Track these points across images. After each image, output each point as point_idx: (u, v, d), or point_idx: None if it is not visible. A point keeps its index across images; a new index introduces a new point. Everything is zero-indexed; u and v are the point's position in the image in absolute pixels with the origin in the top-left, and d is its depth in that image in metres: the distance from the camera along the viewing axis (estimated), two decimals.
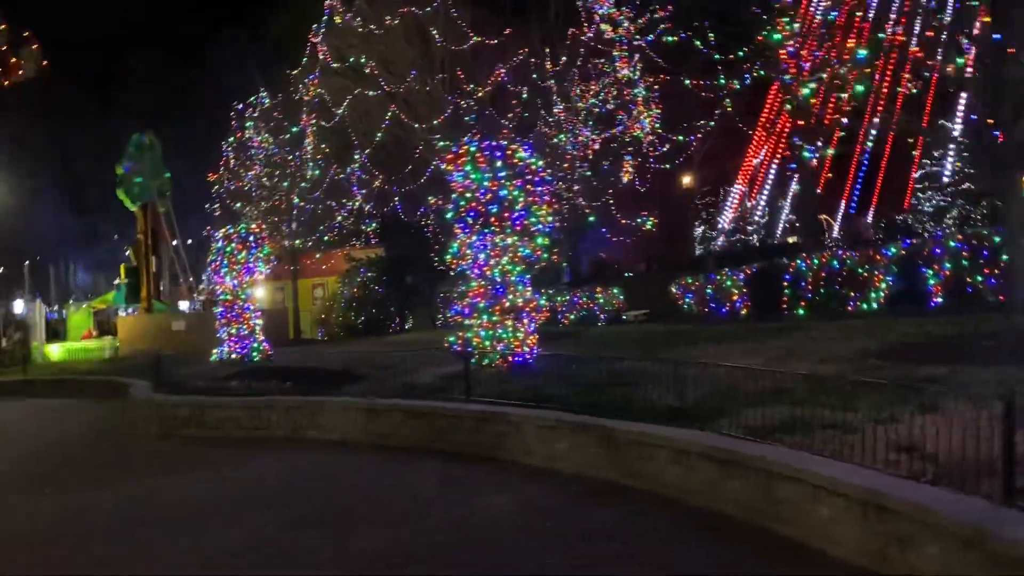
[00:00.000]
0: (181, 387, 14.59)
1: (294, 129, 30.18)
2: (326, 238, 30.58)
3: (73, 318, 37.49)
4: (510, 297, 12.30)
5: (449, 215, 12.87)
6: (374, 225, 30.33)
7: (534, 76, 32.64)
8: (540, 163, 12.51)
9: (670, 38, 30.50)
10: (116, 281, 38.00)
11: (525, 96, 32.10)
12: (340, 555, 6.52)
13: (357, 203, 29.90)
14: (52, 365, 28.19)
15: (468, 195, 12.18)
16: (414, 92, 33.49)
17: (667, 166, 31.34)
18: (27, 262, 57.50)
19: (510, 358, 12.24)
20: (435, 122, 32.17)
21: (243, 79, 39.14)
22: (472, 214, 12.16)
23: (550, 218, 12.64)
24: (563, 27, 35.12)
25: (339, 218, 30.00)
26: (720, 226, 43.20)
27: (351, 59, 34.67)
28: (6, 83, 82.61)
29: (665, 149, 30.64)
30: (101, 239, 61.95)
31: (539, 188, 12.44)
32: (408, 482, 8.83)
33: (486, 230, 12.09)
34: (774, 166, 43.84)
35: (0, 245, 52.92)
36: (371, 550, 6.53)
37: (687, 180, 34.77)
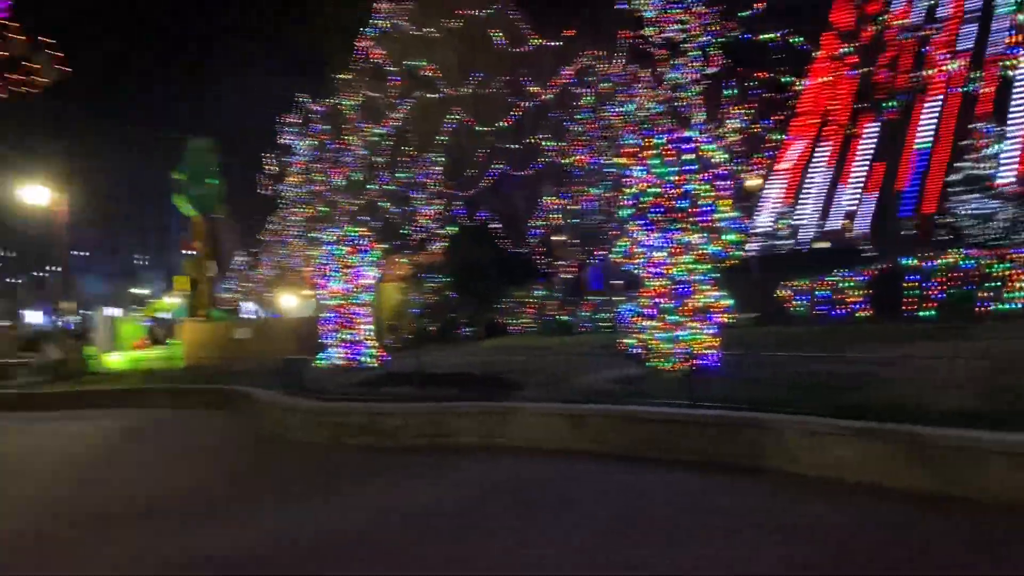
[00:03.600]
0: (320, 393, 14.04)
1: (378, 131, 29.73)
2: (400, 243, 30.16)
3: (124, 327, 36.87)
4: (695, 297, 11.78)
5: (624, 212, 12.35)
6: (455, 228, 29.88)
7: (590, 79, 32.23)
8: (724, 156, 12.00)
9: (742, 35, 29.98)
10: (173, 290, 37.44)
11: (591, 99, 31.67)
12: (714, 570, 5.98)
13: (434, 208, 29.46)
14: (128, 375, 27.53)
15: (653, 190, 11.67)
16: (474, 95, 33.07)
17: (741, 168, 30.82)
18: (50, 269, 57.14)
19: (693, 361, 11.73)
20: (499, 125, 31.74)
21: (285, 85, 38.71)
22: (656, 210, 11.66)
23: (736, 213, 12.12)
24: (614, 29, 34.75)
25: (421, 221, 29.59)
26: (759, 227, 42.71)
27: (406, 62, 34.26)
28: (25, 90, 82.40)
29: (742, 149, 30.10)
30: (120, 248, 61.74)
31: (722, 182, 11.95)
32: (675, 492, 8.27)
33: (672, 227, 11.58)
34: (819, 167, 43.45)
35: (27, 253, 52.53)
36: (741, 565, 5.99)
37: (754, 182, 34.28)
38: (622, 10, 32.51)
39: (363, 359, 18.13)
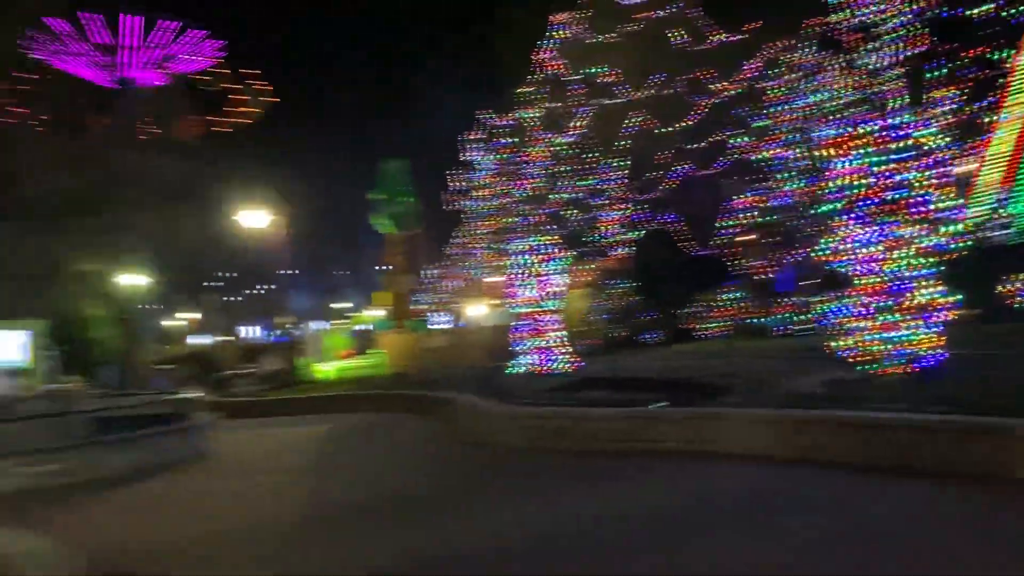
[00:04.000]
0: (517, 398, 14.30)
1: (560, 140, 30.10)
2: (585, 249, 30.28)
3: (331, 339, 39.46)
4: (914, 294, 10.94)
5: (826, 208, 11.71)
6: (639, 232, 29.62)
7: (776, 71, 30.85)
8: (943, 141, 11.09)
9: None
10: (373, 304, 39.62)
11: (778, 91, 30.37)
12: None
13: (618, 213, 29.34)
14: (337, 383, 29.42)
15: (862, 182, 10.97)
16: (655, 97, 32.63)
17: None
18: (264, 287, 61.93)
19: (914, 362, 10.89)
20: (682, 125, 31.12)
21: (468, 103, 39.90)
22: (866, 203, 10.95)
23: (957, 200, 11.16)
24: (800, 18, 33.15)
25: (606, 227, 29.59)
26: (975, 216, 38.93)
27: (585, 70, 34.35)
28: (238, 122, 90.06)
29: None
30: (324, 264, 66.03)
31: (940, 169, 11.04)
32: (902, 502, 7.70)
33: (887, 220, 10.83)
34: None
35: (246, 272, 57.26)
36: None
37: (968, 168, 31.43)
38: None
39: (555, 365, 18.30)
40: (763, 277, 28.11)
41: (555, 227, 30.27)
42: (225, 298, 63.84)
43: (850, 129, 11.15)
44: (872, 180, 10.80)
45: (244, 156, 61.92)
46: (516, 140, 33.39)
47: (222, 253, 51.41)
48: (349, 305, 59.60)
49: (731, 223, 28.62)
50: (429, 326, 35.04)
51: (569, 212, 31.36)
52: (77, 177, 32.86)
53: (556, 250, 18.72)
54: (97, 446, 13.08)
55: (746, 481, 9.23)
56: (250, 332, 59.88)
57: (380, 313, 36.28)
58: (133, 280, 37.55)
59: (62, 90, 72.06)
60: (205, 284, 58.07)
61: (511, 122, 34.12)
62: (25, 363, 22.55)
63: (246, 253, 48.91)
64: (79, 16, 71.34)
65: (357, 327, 41.96)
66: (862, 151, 10.90)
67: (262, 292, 63.30)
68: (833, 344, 11.91)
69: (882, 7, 16.16)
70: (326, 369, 33.68)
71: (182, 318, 57.86)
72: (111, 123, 74.71)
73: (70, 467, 12.24)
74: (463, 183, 36.26)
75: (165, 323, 55.83)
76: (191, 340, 54.50)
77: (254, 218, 30.24)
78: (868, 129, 11.11)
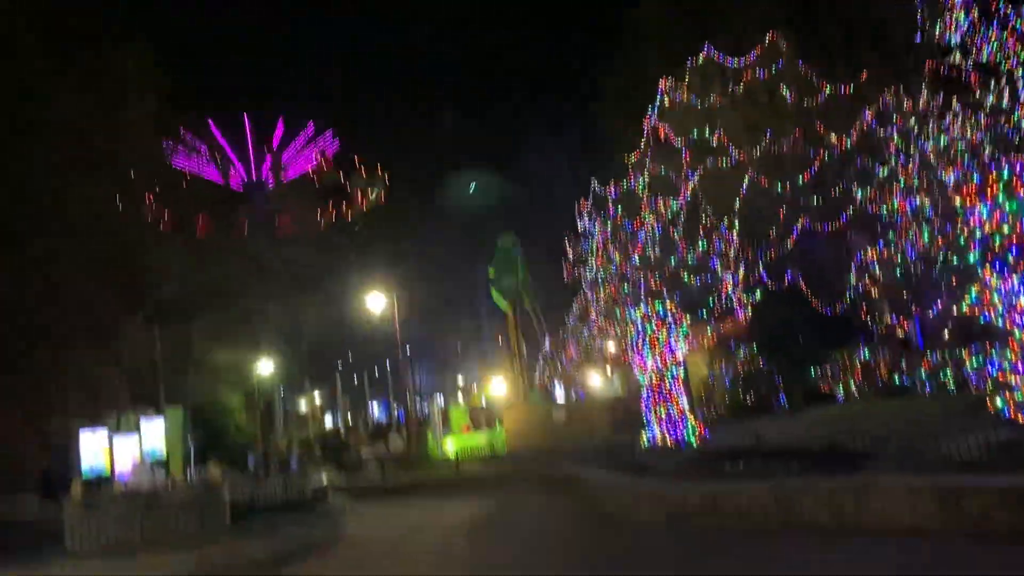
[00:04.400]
0: (651, 473, 13.87)
1: (672, 205, 29.95)
2: (705, 313, 29.63)
3: (452, 415, 39.73)
4: None
5: (971, 257, 11.01)
6: (760, 293, 28.76)
7: (892, 118, 29.79)
8: None
9: None
10: (492, 377, 39.80)
11: (897, 138, 29.29)
12: None
13: (737, 274, 28.64)
14: (462, 460, 29.37)
15: (1006, 229, 10.28)
16: (767, 155, 32.02)
17: None
18: (386, 366, 63.31)
19: None
20: (798, 181, 30.31)
21: (573, 171, 40.41)
22: (1015, 251, 10.23)
23: None
24: (915, 62, 32.08)
25: (725, 289, 28.97)
26: None
27: (693, 133, 34.19)
28: (358, 212, 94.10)
29: None
30: (442, 340, 67.05)
31: None
32: None
33: None
34: None
35: (368, 352, 58.81)
36: None
37: None
38: (921, 41, 30.19)
39: (684, 435, 17.73)
40: (902, 332, 26.64)
41: (673, 292, 29.84)
42: (350, 378, 65.64)
43: (979, 174, 10.52)
44: (1009, 227, 10.10)
45: (365, 242, 64.61)
46: (627, 207, 33.44)
47: (346, 335, 53.10)
48: (469, 381, 60.19)
49: (859, 278, 27.40)
50: (551, 399, 34.87)
51: (686, 276, 30.90)
52: (211, 272, 34.84)
53: (675, 316, 18.30)
54: (239, 533, 13.43)
55: (907, 559, 8.52)
56: (373, 411, 61.22)
57: (500, 388, 36.35)
58: (265, 366, 39.25)
59: (195, 191, 77.62)
60: (332, 366, 59.99)
61: (621, 189, 34.23)
62: (166, 452, 23.58)
63: (369, 334, 50.37)
64: (208, 122, 77.13)
65: (481, 402, 42.19)
66: (996, 196, 10.25)
67: (384, 371, 64.78)
68: (997, 402, 11.02)
69: (1005, 43, 15.44)
70: (450, 446, 33.83)
71: (311, 401, 59.79)
72: (243, 219, 79.71)
73: (215, 555, 12.59)
74: (577, 253, 36.43)
75: (295, 407, 57.80)
76: (322, 423, 56.16)
77: (376, 301, 31.20)
78: (1000, 173, 10.47)
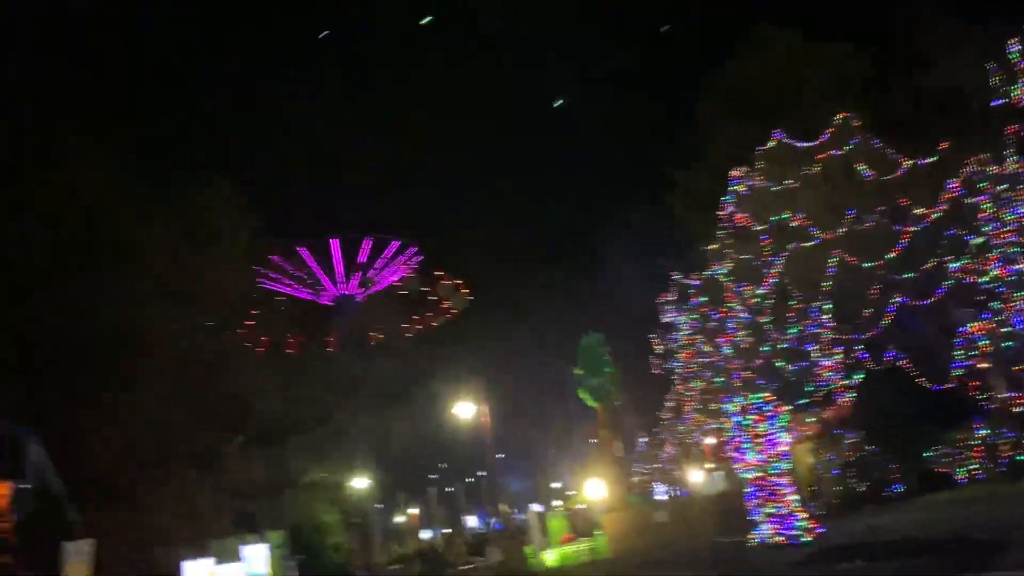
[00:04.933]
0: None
1: (758, 292, 29.48)
2: (804, 401, 28.56)
3: (551, 522, 38.70)
4: None
5: None
6: (861, 375, 27.59)
7: (981, 185, 28.86)
8: None
9: None
10: (587, 480, 38.84)
11: (989, 205, 28.27)
12: None
13: (834, 358, 27.63)
14: (565, 571, 28.46)
15: None
16: (852, 233, 31.29)
17: None
18: (477, 475, 62.69)
19: None
20: (887, 257, 29.41)
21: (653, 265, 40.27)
22: None
23: None
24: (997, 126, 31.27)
25: (822, 374, 27.94)
26: None
27: (772, 218, 33.80)
28: (441, 322, 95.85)
29: None
30: (532, 444, 66.22)
31: None
32: None
33: None
34: None
35: (458, 462, 58.50)
36: None
37: None
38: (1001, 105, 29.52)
39: (795, 532, 16.78)
40: (1017, 407, 24.98)
41: (768, 381, 28.94)
42: (444, 489, 65.18)
43: None
44: None
45: (451, 351, 65.39)
46: (711, 296, 32.97)
47: (436, 446, 53.06)
48: (564, 484, 58.96)
49: (966, 352, 26.05)
50: (650, 498, 33.77)
51: (781, 364, 29.93)
52: (303, 390, 35.59)
53: (773, 406, 17.64)
54: None
55: None
56: (467, 522, 60.33)
57: (597, 490, 35.40)
58: (359, 482, 39.37)
59: (287, 311, 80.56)
60: (425, 477, 59.80)
61: (702, 280, 33.86)
62: (269, 575, 23.59)
63: (460, 444, 50.24)
64: (296, 248, 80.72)
65: (577, 506, 41.05)
66: None
67: (478, 480, 64.18)
68: None
69: None
70: (551, 556, 32.84)
71: (406, 514, 59.39)
72: (333, 335, 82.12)
73: None
74: (665, 346, 35.92)
75: (391, 522, 57.49)
76: (419, 536, 55.58)
77: (465, 409, 31.28)
78: None
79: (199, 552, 22.90)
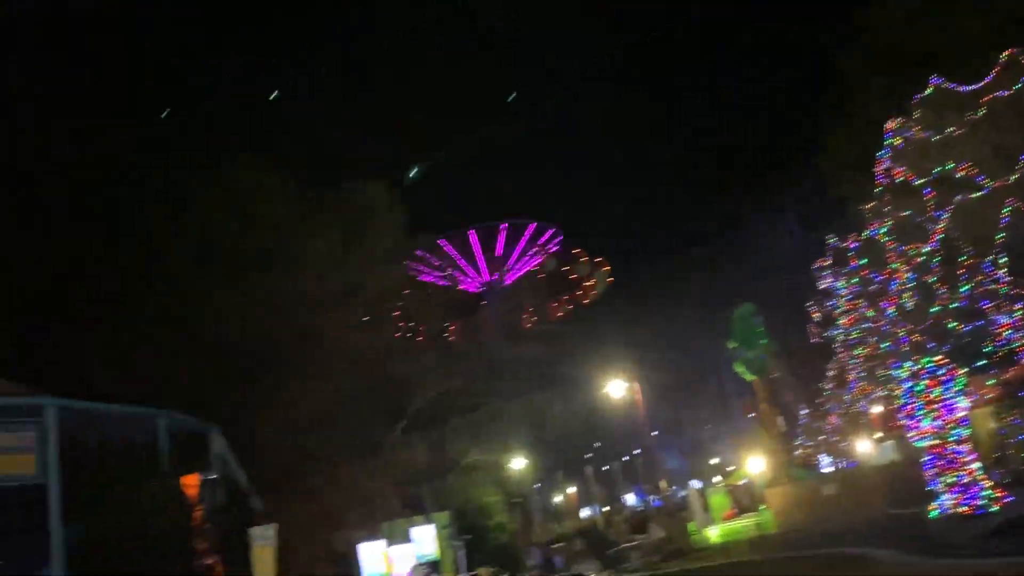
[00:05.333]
0: (953, 551, 12.36)
1: (923, 249, 27.84)
2: (983, 362, 26.68)
3: (713, 499, 38.14)
4: None
5: None
6: None
7: None
8: None
9: None
10: (748, 456, 37.98)
11: None
12: None
13: (1014, 315, 25.66)
14: (729, 547, 28.01)
15: None
16: None
17: None
18: (633, 453, 62.45)
19: None
20: None
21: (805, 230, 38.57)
22: None
23: None
24: None
25: (1001, 333, 26.05)
26: None
27: (935, 170, 31.59)
28: (586, 302, 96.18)
29: None
30: (687, 421, 65.22)
31: None
32: None
33: None
34: None
35: (614, 440, 58.48)
36: None
37: None
38: None
39: (980, 502, 15.71)
40: None
41: (940, 344, 27.20)
42: (600, 468, 65.41)
43: None
44: None
45: (599, 331, 65.45)
46: (871, 259, 31.27)
47: (591, 426, 53.28)
48: (723, 460, 57.83)
49: None
50: (816, 471, 32.59)
51: (953, 324, 28.03)
52: (457, 377, 36.63)
53: (947, 369, 16.53)
54: None
55: None
56: (626, 500, 60.28)
57: (758, 465, 34.54)
58: (517, 463, 40.20)
59: (438, 302, 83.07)
60: (580, 457, 60.25)
61: (861, 241, 32.15)
62: (437, 555, 24.60)
63: (615, 423, 50.26)
64: (440, 243, 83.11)
65: (739, 482, 40.23)
66: None
67: (635, 458, 63.96)
68: None
69: None
70: (714, 532, 32.39)
71: (565, 493, 60.06)
72: (482, 321, 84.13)
73: None
74: (823, 313, 34.43)
75: (550, 501, 58.31)
76: (578, 515, 56.11)
77: (617, 388, 31.32)
78: None
79: (372, 534, 24.19)
